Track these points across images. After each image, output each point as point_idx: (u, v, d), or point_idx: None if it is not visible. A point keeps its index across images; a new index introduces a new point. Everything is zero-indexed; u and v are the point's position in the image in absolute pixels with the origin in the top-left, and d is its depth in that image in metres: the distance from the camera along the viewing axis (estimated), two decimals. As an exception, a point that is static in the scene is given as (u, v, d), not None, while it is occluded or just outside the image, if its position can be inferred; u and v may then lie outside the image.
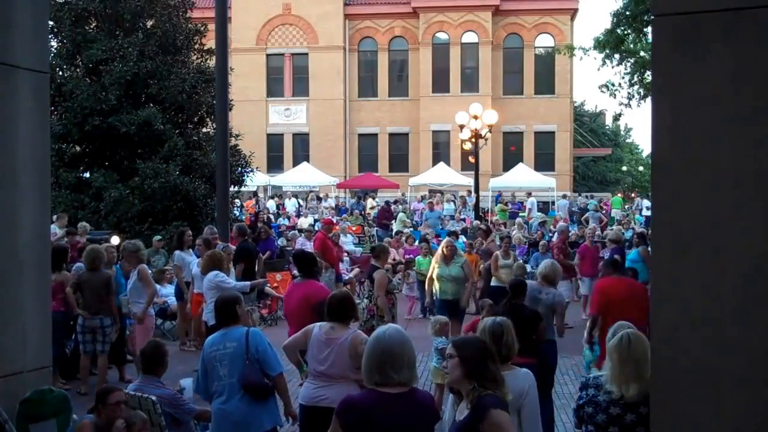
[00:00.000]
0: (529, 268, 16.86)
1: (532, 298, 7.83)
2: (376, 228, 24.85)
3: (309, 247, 15.47)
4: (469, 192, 30.54)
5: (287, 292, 8.08)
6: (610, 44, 18.93)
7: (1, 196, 4.87)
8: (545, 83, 40.85)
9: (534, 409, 4.58)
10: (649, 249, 13.18)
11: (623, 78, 19.99)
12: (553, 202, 32.10)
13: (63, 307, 9.37)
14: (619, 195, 41.91)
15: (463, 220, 25.44)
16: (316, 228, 19.89)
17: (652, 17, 3.54)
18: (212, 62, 17.07)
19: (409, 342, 3.79)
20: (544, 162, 39.80)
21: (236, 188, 19.47)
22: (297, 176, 36.29)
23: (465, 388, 3.69)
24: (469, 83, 40.26)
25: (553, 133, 40.72)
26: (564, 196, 32.31)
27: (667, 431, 3.41)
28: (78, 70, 18.21)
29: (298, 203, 30.62)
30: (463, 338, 3.92)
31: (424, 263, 14.25)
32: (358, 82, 42.28)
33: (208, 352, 5.46)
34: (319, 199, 32.30)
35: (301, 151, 41.37)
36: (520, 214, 26.70)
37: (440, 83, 40.46)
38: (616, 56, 19.51)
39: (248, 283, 9.65)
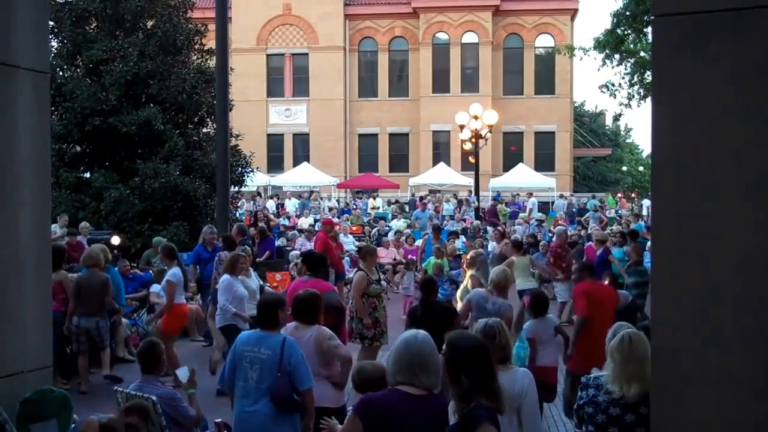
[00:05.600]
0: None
1: (478, 308, 7.62)
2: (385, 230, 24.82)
3: (309, 247, 15.49)
4: (470, 192, 30.57)
5: (290, 290, 7.86)
6: (610, 44, 18.94)
7: (2, 196, 4.87)
8: (545, 83, 40.87)
9: (534, 409, 4.58)
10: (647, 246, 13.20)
11: (623, 78, 20.00)
12: (552, 202, 32.13)
13: (63, 307, 9.37)
14: (612, 195, 42.03)
15: (464, 220, 25.42)
16: (317, 228, 19.89)
17: (652, 17, 3.54)
18: (212, 62, 17.07)
19: (436, 348, 3.79)
20: (544, 162, 39.82)
21: (236, 188, 19.46)
22: (297, 176, 36.32)
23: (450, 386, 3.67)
24: (469, 83, 40.28)
25: (553, 133, 40.74)
26: (561, 196, 32.30)
27: (667, 431, 3.41)
28: (78, 70, 18.19)
29: (300, 204, 30.57)
30: (453, 341, 3.68)
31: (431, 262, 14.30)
32: (358, 82, 42.29)
33: (241, 349, 5.31)
34: (320, 199, 32.32)
35: (302, 152, 41.39)
36: (521, 215, 26.69)
37: (440, 83, 40.48)
38: (616, 56, 19.51)
39: (232, 309, 9.00)
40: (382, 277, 10.88)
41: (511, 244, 13.88)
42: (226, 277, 9.19)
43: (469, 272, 9.58)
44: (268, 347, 5.22)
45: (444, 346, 3.68)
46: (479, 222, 23.97)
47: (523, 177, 33.93)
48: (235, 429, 5.38)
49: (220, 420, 6.08)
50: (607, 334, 7.15)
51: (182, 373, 6.02)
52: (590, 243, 15.90)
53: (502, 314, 7.51)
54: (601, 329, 7.14)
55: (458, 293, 9.96)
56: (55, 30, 17.87)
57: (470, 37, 40.60)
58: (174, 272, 9.64)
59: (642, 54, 19.04)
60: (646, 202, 33.83)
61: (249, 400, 5.22)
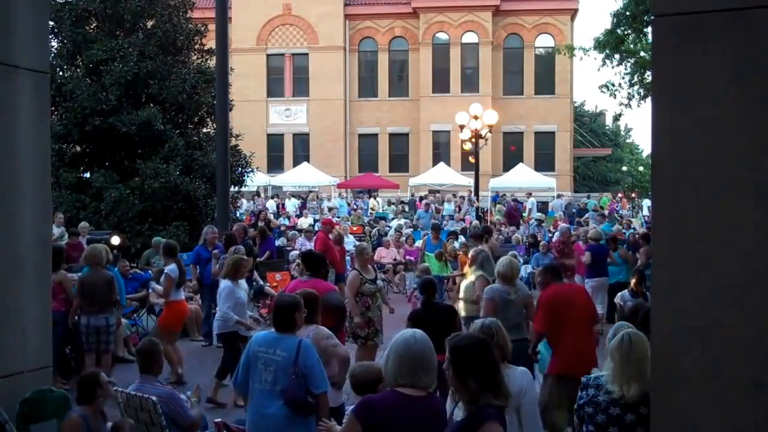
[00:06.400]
0: (529, 268, 16.88)
1: (503, 302, 7.64)
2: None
3: (309, 247, 15.49)
4: (470, 192, 30.58)
5: (289, 290, 7.83)
6: (610, 44, 18.94)
7: (2, 196, 4.87)
8: (545, 83, 40.85)
9: (533, 408, 4.57)
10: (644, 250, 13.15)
11: (623, 78, 19.99)
12: (548, 202, 32.11)
13: (63, 307, 9.37)
14: (613, 195, 42.10)
15: (463, 220, 25.41)
16: (317, 228, 19.89)
17: (652, 17, 3.54)
18: (212, 62, 17.07)
19: (434, 347, 3.78)
20: (544, 162, 39.81)
21: (236, 188, 19.46)
22: (297, 176, 36.30)
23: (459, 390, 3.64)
24: (469, 83, 40.27)
25: (553, 133, 40.73)
26: (558, 196, 32.29)
27: (667, 431, 3.41)
28: (78, 70, 18.18)
29: (300, 203, 30.57)
30: (455, 342, 3.66)
31: (433, 260, 14.32)
32: (358, 82, 42.28)
33: (255, 349, 5.20)
34: (319, 199, 32.32)
35: (302, 152, 41.38)
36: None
37: (440, 83, 40.47)
38: (616, 56, 19.51)
39: (235, 317, 8.86)
40: (383, 277, 10.90)
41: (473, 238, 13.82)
42: (228, 283, 8.96)
43: (474, 272, 9.45)
44: (284, 349, 5.13)
45: (446, 353, 3.63)
46: (479, 222, 23.93)
47: (523, 177, 33.89)
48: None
49: (219, 420, 6.09)
50: (592, 333, 7.22)
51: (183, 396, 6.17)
52: (578, 242, 15.86)
53: (528, 296, 7.95)
54: (577, 329, 7.13)
55: (462, 292, 9.91)
56: (55, 30, 17.86)
57: (470, 37, 40.59)
58: (171, 268, 9.75)
59: (642, 54, 19.03)
60: (646, 202, 33.82)
61: (264, 402, 5.12)
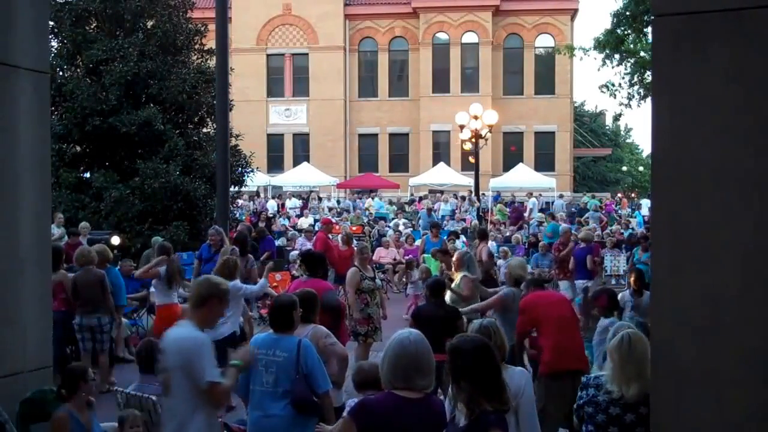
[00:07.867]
0: (529, 268, 16.88)
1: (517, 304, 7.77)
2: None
3: (309, 247, 15.49)
4: (470, 192, 30.58)
5: (291, 290, 7.81)
6: (610, 44, 18.97)
7: (2, 196, 4.87)
8: (545, 83, 40.88)
9: (531, 409, 4.56)
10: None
11: (623, 78, 20.02)
12: (553, 202, 32.11)
13: (63, 307, 9.36)
14: (613, 196, 42.22)
15: (463, 220, 25.40)
16: (316, 228, 19.89)
17: (652, 17, 3.55)
18: (212, 62, 17.06)
19: (431, 348, 3.74)
20: (544, 162, 39.82)
21: (236, 188, 19.46)
22: (297, 176, 36.32)
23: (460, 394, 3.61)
24: (470, 83, 40.28)
25: (553, 133, 40.75)
26: (560, 196, 32.30)
27: (667, 431, 3.41)
28: (78, 70, 18.19)
29: (301, 203, 30.57)
30: (454, 344, 3.63)
31: (431, 261, 14.29)
32: (358, 82, 42.30)
33: (255, 351, 5.11)
34: (319, 199, 32.33)
35: (302, 152, 41.39)
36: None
37: (440, 83, 40.48)
38: (616, 56, 19.54)
39: (256, 288, 9.00)
40: (382, 276, 10.97)
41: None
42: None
43: (459, 274, 9.42)
44: (284, 349, 5.09)
45: (448, 355, 3.60)
46: (479, 222, 23.91)
47: (523, 177, 33.91)
48: None
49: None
50: (577, 332, 7.25)
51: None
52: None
53: None
54: (559, 327, 7.18)
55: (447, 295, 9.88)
56: (55, 30, 17.86)
57: (470, 37, 40.60)
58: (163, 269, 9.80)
59: (642, 54, 19.05)
60: (646, 202, 33.81)
61: (266, 404, 5.07)
